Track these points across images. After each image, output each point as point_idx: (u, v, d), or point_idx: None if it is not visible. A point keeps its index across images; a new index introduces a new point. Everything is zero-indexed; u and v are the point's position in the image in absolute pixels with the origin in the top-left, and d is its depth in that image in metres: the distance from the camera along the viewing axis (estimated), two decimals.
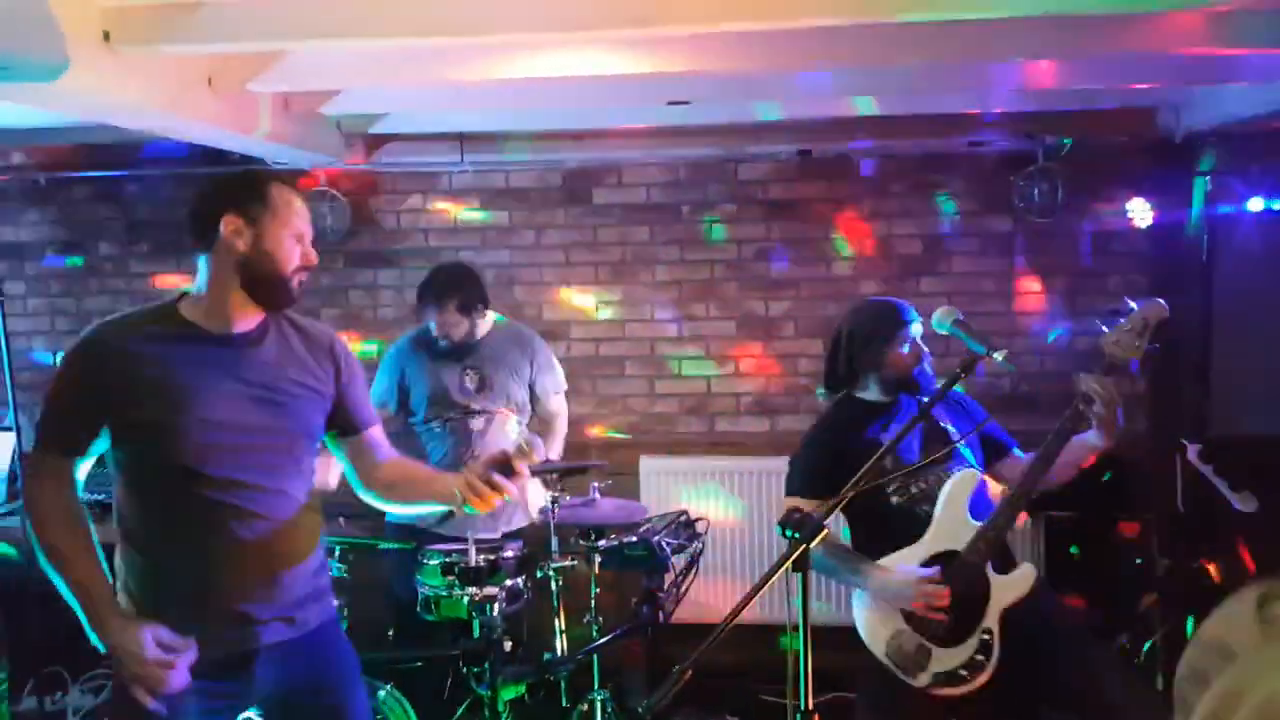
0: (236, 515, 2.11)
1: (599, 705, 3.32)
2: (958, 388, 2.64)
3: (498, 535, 3.57)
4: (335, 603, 2.43)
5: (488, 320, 3.80)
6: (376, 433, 2.40)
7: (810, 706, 1.82)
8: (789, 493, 2.91)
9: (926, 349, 2.93)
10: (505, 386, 3.77)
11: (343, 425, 2.34)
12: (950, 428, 2.87)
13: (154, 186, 4.77)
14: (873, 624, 2.78)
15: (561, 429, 3.97)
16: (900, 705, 2.77)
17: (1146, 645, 3.71)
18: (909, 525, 2.80)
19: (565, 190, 4.66)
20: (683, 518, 3.37)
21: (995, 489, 2.92)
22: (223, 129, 3.36)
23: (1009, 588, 2.77)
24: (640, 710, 1.91)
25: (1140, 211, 4.17)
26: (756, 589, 1.82)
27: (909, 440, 2.79)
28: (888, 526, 2.83)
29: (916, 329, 2.91)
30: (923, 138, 4.30)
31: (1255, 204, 4.02)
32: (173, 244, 4.72)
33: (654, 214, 4.63)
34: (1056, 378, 4.44)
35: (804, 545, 1.85)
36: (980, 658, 2.73)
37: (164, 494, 2.12)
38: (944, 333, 2.78)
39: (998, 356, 2.53)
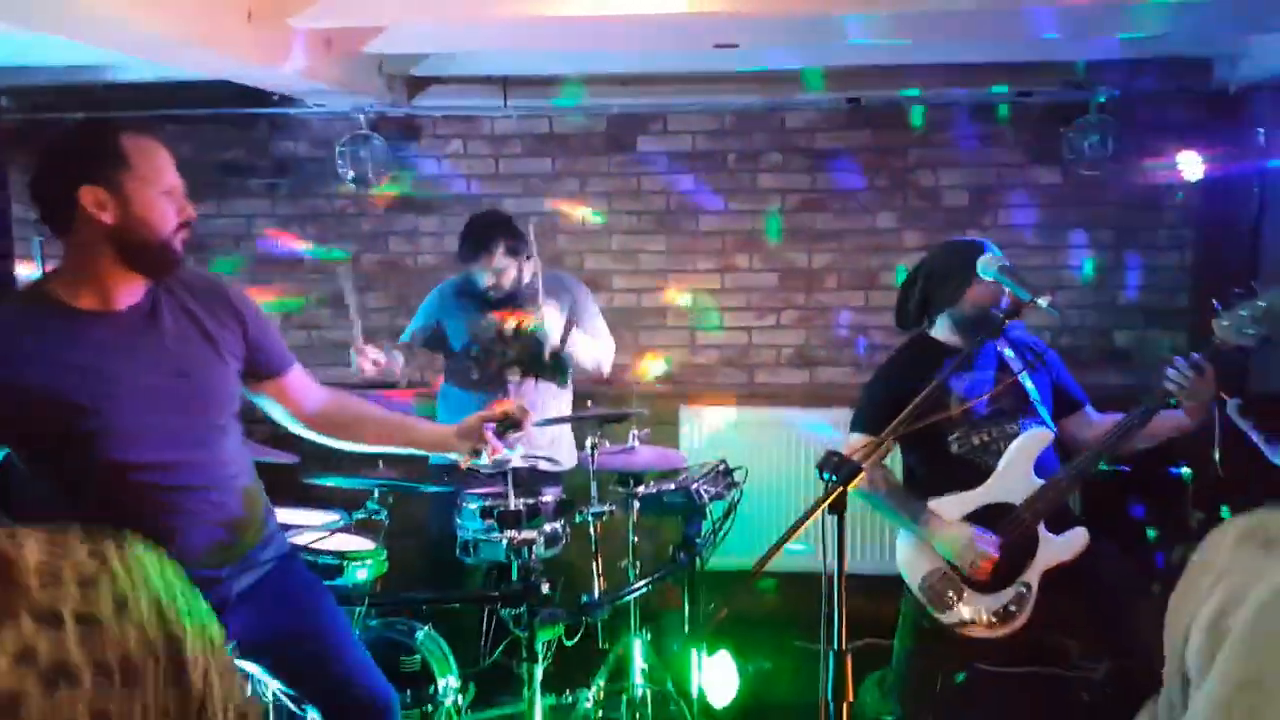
0: (172, 492, 2.02)
1: (636, 648, 3.35)
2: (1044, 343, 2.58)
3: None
4: (286, 536, 2.39)
5: (531, 266, 3.77)
6: (298, 372, 2.30)
7: (843, 647, 1.81)
8: (853, 428, 2.92)
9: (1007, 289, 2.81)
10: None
11: (260, 372, 2.23)
12: (1030, 385, 2.83)
13: (192, 126, 4.72)
14: (913, 555, 2.83)
15: (596, 344, 3.80)
16: (934, 638, 2.82)
17: None
18: (969, 476, 2.80)
19: (609, 137, 4.62)
20: (721, 466, 3.37)
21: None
22: (261, 66, 3.28)
23: (1057, 549, 2.78)
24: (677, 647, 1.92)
25: (1191, 165, 4.07)
26: (792, 530, 1.82)
27: (980, 392, 2.77)
28: (946, 473, 2.84)
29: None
30: (972, 86, 4.21)
31: None
32: (214, 185, 4.73)
33: (699, 162, 4.58)
34: (1099, 333, 4.39)
35: (841, 488, 1.84)
36: (1013, 609, 2.76)
37: (87, 489, 1.97)
38: (989, 279, 2.74)
39: (1041, 302, 2.50)
